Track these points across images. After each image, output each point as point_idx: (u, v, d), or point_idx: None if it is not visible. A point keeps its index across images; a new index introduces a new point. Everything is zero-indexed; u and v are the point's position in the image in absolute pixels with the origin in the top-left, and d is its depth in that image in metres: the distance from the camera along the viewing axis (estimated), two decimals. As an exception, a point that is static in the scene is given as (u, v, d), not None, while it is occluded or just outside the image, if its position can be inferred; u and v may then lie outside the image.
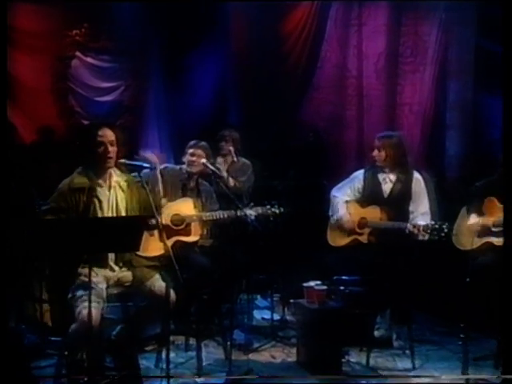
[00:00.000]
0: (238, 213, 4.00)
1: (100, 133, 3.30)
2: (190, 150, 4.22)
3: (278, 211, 4.11)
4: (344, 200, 4.20)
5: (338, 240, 4.19)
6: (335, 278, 3.87)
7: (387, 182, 4.14)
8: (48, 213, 3.23)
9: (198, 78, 6.88)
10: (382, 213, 4.06)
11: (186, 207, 4.03)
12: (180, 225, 3.96)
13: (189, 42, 6.79)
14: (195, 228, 4.01)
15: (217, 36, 6.84)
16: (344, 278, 3.87)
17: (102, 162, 3.31)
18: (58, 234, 2.85)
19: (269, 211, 4.10)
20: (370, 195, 4.16)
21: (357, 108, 6.72)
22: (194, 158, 4.21)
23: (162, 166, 4.17)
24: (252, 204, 4.13)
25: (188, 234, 3.98)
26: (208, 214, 4.04)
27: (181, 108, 6.81)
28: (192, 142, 4.27)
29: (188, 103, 6.81)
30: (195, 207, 4.05)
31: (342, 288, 3.81)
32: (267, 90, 6.73)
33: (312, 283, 3.80)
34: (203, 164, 4.32)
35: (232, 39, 6.93)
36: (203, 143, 4.28)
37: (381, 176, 4.15)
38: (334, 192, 4.28)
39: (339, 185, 4.31)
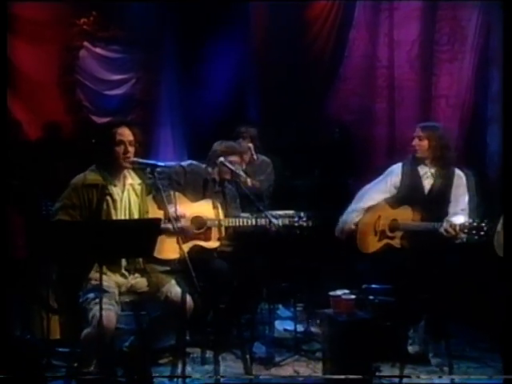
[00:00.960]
0: (263, 221, 4.00)
1: (119, 131, 3.37)
2: (230, 158, 4.21)
3: (305, 224, 4.11)
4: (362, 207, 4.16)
5: (368, 245, 4.15)
6: (364, 286, 3.86)
7: (428, 176, 4.09)
8: (61, 210, 3.28)
9: (215, 70, 6.89)
10: (415, 213, 4.00)
11: (207, 210, 4.05)
12: (200, 228, 3.98)
13: (205, 31, 6.81)
14: (216, 233, 4.03)
15: (235, 24, 6.85)
16: (374, 286, 3.86)
17: (118, 162, 3.38)
18: (67, 237, 2.91)
19: (296, 223, 4.10)
20: (408, 191, 4.10)
21: (387, 101, 6.65)
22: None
23: (187, 162, 4.20)
24: (278, 214, 4.12)
25: (208, 239, 4.00)
26: (232, 219, 4.05)
27: (196, 102, 6.83)
28: (230, 147, 4.26)
29: (203, 97, 6.83)
30: (218, 211, 4.07)
31: (371, 298, 3.80)
32: (289, 82, 6.71)
33: (339, 292, 3.80)
34: (221, 162, 4.35)
35: (251, 27, 6.93)
36: (241, 149, 4.32)
37: (421, 170, 4.10)
38: (361, 193, 4.27)
39: (371, 183, 4.28)
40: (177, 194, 3.82)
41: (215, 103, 6.80)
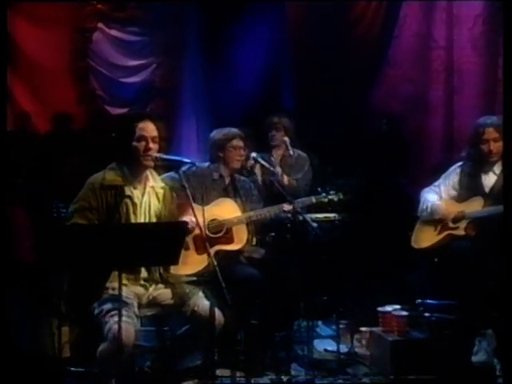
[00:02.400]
0: (286, 207, 4.01)
1: (141, 126, 3.40)
2: (233, 143, 4.24)
3: (336, 198, 4.13)
4: (436, 194, 4.20)
5: (425, 239, 4.16)
6: (418, 301, 3.82)
7: (490, 174, 4.11)
8: (76, 212, 3.32)
9: (244, 54, 6.90)
10: (486, 205, 4.03)
11: (223, 210, 4.07)
12: (219, 231, 4.00)
13: (232, 9, 6.82)
14: (238, 233, 4.04)
15: (266, 1, 6.85)
16: (429, 302, 3.81)
17: (140, 160, 3.40)
18: (82, 241, 2.93)
19: (324, 199, 4.13)
20: (468, 191, 4.12)
21: (445, 87, 6.56)
22: (239, 152, 4.24)
23: (185, 167, 4.18)
24: (303, 199, 4.15)
25: (230, 241, 4.02)
26: (251, 213, 4.06)
27: (223, 90, 6.85)
28: (229, 132, 4.28)
29: (231, 84, 6.84)
30: (235, 208, 4.08)
31: (426, 315, 3.75)
32: (328, 67, 6.67)
33: (389, 308, 3.77)
34: (253, 158, 4.35)
35: (285, 4, 6.93)
36: (241, 132, 4.31)
37: (483, 168, 4.12)
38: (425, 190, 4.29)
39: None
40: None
41: (244, 91, 6.81)
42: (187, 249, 3.74)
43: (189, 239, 3.77)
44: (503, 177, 3.60)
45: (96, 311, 3.24)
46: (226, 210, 4.07)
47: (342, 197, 4.16)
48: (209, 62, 6.95)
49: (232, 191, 4.25)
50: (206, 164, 4.31)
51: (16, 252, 3.91)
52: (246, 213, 4.07)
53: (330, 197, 4.15)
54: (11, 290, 3.69)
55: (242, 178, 4.35)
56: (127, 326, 3.08)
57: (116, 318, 3.04)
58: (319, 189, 4.16)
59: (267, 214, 4.10)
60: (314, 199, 4.17)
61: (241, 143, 4.25)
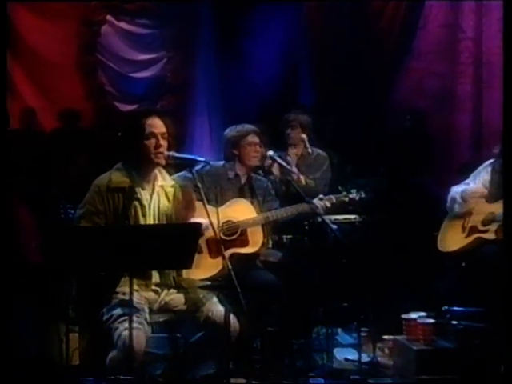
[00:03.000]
0: (305, 207, 4.01)
1: (149, 122, 3.40)
2: (248, 139, 4.24)
3: (357, 197, 4.11)
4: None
5: (453, 242, 4.12)
6: (445, 308, 3.79)
7: None
8: (83, 218, 3.33)
9: (260, 48, 6.91)
10: None
11: (238, 211, 4.05)
12: (233, 234, 3.99)
13: (247, 2, 6.84)
14: (253, 235, 4.03)
15: (284, -8, 6.86)
16: (457, 308, 3.79)
17: (149, 158, 3.40)
18: (91, 244, 2.94)
19: (345, 198, 4.11)
20: (500, 190, 4.07)
21: (473, 81, 6.53)
22: (255, 148, 4.23)
23: (199, 166, 4.18)
24: (321, 196, 4.14)
25: (244, 243, 4.00)
26: (267, 214, 4.06)
27: (237, 86, 6.87)
28: (243, 128, 4.28)
29: (246, 80, 6.86)
30: (250, 209, 4.08)
31: (454, 322, 3.73)
32: (349, 61, 6.67)
33: (414, 315, 3.75)
34: (270, 157, 4.34)
35: (304, -5, 6.94)
36: (256, 128, 4.31)
37: None
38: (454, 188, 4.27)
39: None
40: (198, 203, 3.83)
41: (260, 86, 6.82)
42: (200, 252, 3.72)
43: (202, 242, 3.75)
44: (503, 177, 3.56)
45: (105, 317, 3.24)
46: (241, 210, 4.06)
47: (363, 195, 4.14)
48: (222, 56, 6.97)
49: (248, 191, 4.24)
50: (221, 163, 4.30)
51: (22, 252, 3.93)
52: (262, 214, 4.07)
53: (351, 195, 4.13)
54: (16, 293, 3.71)
55: (259, 177, 4.34)
56: (138, 332, 3.08)
57: (126, 325, 3.05)
58: (340, 187, 4.14)
59: (284, 215, 4.08)
60: (334, 198, 4.15)
61: (256, 139, 4.24)
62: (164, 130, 3.42)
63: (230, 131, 4.31)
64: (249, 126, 4.29)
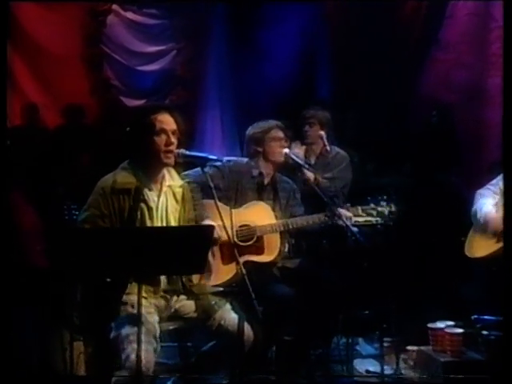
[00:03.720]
0: (330, 217, 3.99)
1: (160, 118, 3.39)
2: (272, 134, 4.23)
3: (386, 210, 4.09)
4: (492, 197, 4.15)
5: (482, 247, 4.10)
6: (474, 317, 3.77)
7: None
8: (86, 222, 3.33)
9: (275, 39, 6.91)
10: None
11: (257, 215, 4.04)
12: (249, 239, 3.99)
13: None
14: (269, 243, 4.02)
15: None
16: (487, 317, 3.77)
17: (158, 156, 3.39)
18: (96, 248, 2.95)
19: (373, 211, 4.09)
20: None
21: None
22: (280, 144, 4.21)
23: (223, 160, 4.18)
24: (348, 204, 4.12)
25: (260, 251, 4.00)
26: (287, 221, 4.04)
27: (251, 80, 6.87)
28: (266, 123, 4.27)
29: (261, 73, 6.86)
30: (269, 214, 4.06)
31: (484, 332, 3.71)
32: (370, 52, 6.65)
33: (441, 324, 3.73)
34: (285, 155, 4.34)
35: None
36: (280, 123, 4.30)
37: None
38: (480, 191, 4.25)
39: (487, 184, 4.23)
40: (208, 201, 3.80)
41: (275, 81, 6.82)
42: (212, 257, 3.75)
43: (215, 247, 3.76)
44: (503, 177, 3.53)
45: (113, 335, 3.23)
46: (259, 215, 4.04)
47: (393, 209, 4.09)
48: (236, 48, 6.97)
49: (271, 192, 4.22)
50: (245, 159, 4.28)
51: (26, 256, 3.95)
52: (282, 220, 4.05)
53: (379, 208, 4.08)
54: (19, 298, 3.73)
55: (285, 178, 4.32)
56: (147, 354, 3.07)
57: (134, 345, 3.03)
58: (368, 198, 4.09)
59: (305, 224, 4.06)
60: (360, 209, 4.10)
61: (280, 134, 4.22)
62: (174, 126, 3.42)
63: (252, 129, 4.30)
64: (272, 121, 4.28)
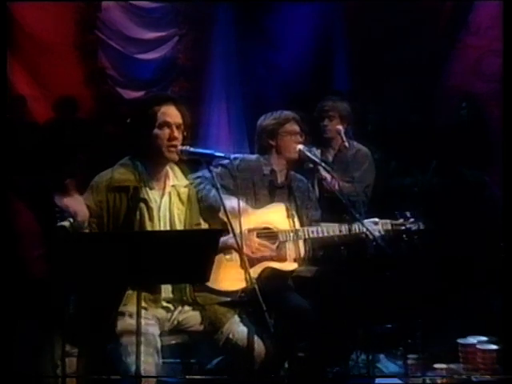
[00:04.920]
0: (356, 228, 3.99)
1: (164, 110, 3.41)
2: (287, 127, 4.21)
3: (416, 227, 4.08)
4: None
5: None
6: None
7: None
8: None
9: (287, 24, 6.91)
10: None
11: (278, 217, 4.05)
12: (271, 244, 3.99)
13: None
14: (293, 250, 4.02)
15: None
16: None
17: (161, 152, 3.41)
18: (90, 253, 2.95)
19: (402, 227, 4.08)
20: None
21: (543, 60, 6.49)
22: (295, 138, 4.20)
23: (229, 160, 4.18)
24: (376, 220, 4.11)
25: (282, 258, 3.99)
26: (314, 229, 4.05)
27: (260, 69, 6.88)
28: (281, 115, 4.25)
29: (272, 61, 6.87)
30: (292, 217, 4.06)
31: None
32: (392, 39, 6.64)
33: (472, 339, 3.72)
34: (299, 151, 4.34)
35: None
36: (297, 115, 4.28)
37: None
38: None
39: None
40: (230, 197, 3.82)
41: (287, 70, 6.83)
42: (230, 260, 3.78)
43: (232, 248, 3.78)
44: (503, 177, 3.58)
45: (109, 347, 3.25)
46: (283, 218, 4.05)
47: (422, 227, 4.08)
48: (244, 34, 6.98)
49: (286, 192, 4.21)
50: (254, 156, 4.28)
51: (22, 263, 3.97)
52: (308, 227, 4.05)
53: (407, 225, 4.09)
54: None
55: (299, 176, 4.31)
56: (147, 367, 3.08)
57: (133, 357, 3.04)
58: (396, 212, 4.08)
59: (332, 233, 4.04)
60: (390, 225, 4.10)
61: (296, 127, 4.21)
62: (179, 120, 3.43)
63: (266, 119, 4.28)
64: (288, 113, 4.26)
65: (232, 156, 4.13)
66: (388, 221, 4.09)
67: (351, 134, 4.95)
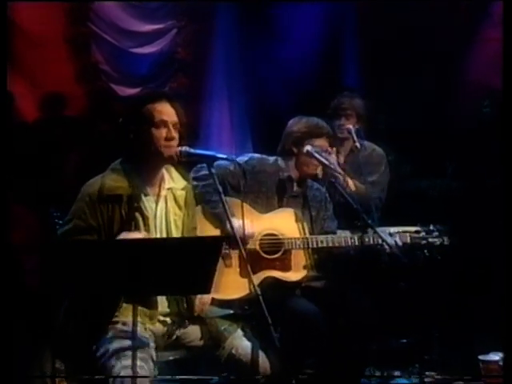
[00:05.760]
0: (372, 239, 4.00)
1: (159, 108, 3.42)
2: (317, 142, 4.21)
3: (438, 242, 4.12)
4: None
5: None
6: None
7: None
8: (69, 234, 3.35)
9: (295, 16, 6.90)
10: None
11: (285, 223, 4.07)
12: (275, 252, 4.02)
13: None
14: (298, 259, 4.05)
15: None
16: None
17: (157, 152, 3.41)
18: (82, 262, 2.95)
19: (423, 241, 4.12)
20: None
21: None
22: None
23: (245, 158, 4.21)
24: (394, 230, 4.13)
25: (286, 267, 4.03)
26: (322, 237, 4.06)
27: (266, 64, 6.87)
28: (317, 125, 4.28)
29: (278, 56, 6.85)
30: (300, 225, 4.08)
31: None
32: (406, 30, 6.62)
33: (494, 356, 3.71)
34: (307, 152, 4.34)
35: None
36: (330, 129, 4.31)
37: None
38: None
39: None
40: (234, 200, 3.85)
41: (294, 66, 6.81)
42: (229, 266, 3.78)
43: (234, 254, 3.83)
44: (503, 177, 3.64)
45: (99, 352, 3.24)
46: (290, 224, 4.09)
47: (445, 242, 4.12)
48: (248, 26, 6.95)
49: (300, 200, 4.26)
50: (272, 158, 4.31)
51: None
52: (317, 236, 4.07)
53: (430, 239, 4.13)
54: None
55: (316, 184, 4.35)
56: (141, 372, 3.08)
57: (124, 362, 3.06)
58: (418, 225, 4.12)
59: (344, 243, 4.10)
60: (408, 237, 4.14)
61: (326, 144, 4.25)
62: (176, 118, 3.44)
63: (298, 123, 4.30)
64: (323, 125, 4.29)
65: (249, 155, 4.17)
66: (407, 235, 4.11)
67: (362, 133, 4.94)
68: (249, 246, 3.60)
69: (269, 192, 4.19)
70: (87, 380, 3.42)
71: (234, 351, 3.37)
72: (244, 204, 3.81)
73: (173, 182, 3.53)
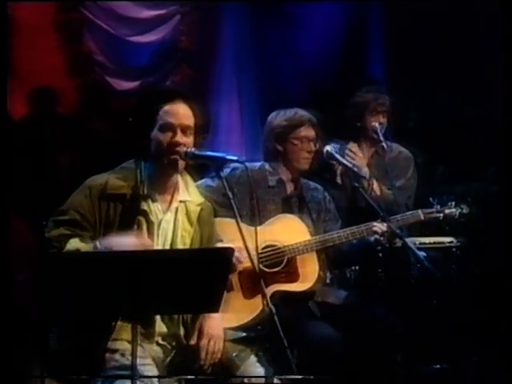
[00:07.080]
0: (378, 226, 4.04)
1: (167, 108, 3.40)
2: (301, 132, 4.24)
3: (457, 212, 4.18)
4: None
5: None
6: None
7: None
8: (62, 225, 3.31)
9: (313, 2, 6.91)
10: None
11: (283, 231, 4.09)
12: (277, 264, 4.03)
13: None
14: (304, 266, 4.05)
15: None
16: None
17: (160, 160, 3.39)
18: (73, 276, 2.92)
19: (438, 214, 4.18)
20: None
21: None
22: (308, 146, 4.25)
23: (227, 170, 4.16)
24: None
25: (292, 278, 4.04)
26: (326, 236, 4.09)
27: (280, 55, 6.89)
28: (295, 116, 4.31)
29: (293, 46, 6.88)
30: (301, 228, 4.09)
31: None
32: (434, 22, 6.65)
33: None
34: (328, 154, 4.34)
35: None
36: (311, 115, 4.31)
37: None
38: None
39: None
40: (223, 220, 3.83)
41: (311, 58, 6.84)
42: (230, 290, 3.78)
43: (232, 276, 3.82)
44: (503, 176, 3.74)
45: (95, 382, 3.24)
46: (288, 231, 4.10)
47: (465, 211, 4.16)
48: (260, 12, 6.98)
49: (297, 204, 4.28)
50: (257, 164, 4.34)
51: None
52: (319, 236, 4.09)
53: (447, 211, 4.17)
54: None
55: (313, 184, 4.36)
56: None
57: None
58: (431, 198, 4.12)
59: (350, 238, 4.11)
60: (422, 215, 4.17)
61: (312, 133, 4.26)
62: (187, 121, 3.42)
63: (277, 117, 4.33)
64: (303, 113, 4.30)
65: (231, 166, 4.17)
66: (419, 210, 4.21)
67: (388, 133, 4.95)
68: (247, 265, 3.54)
69: (260, 201, 4.18)
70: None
71: (246, 380, 3.33)
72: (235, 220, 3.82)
73: (188, 195, 3.51)
